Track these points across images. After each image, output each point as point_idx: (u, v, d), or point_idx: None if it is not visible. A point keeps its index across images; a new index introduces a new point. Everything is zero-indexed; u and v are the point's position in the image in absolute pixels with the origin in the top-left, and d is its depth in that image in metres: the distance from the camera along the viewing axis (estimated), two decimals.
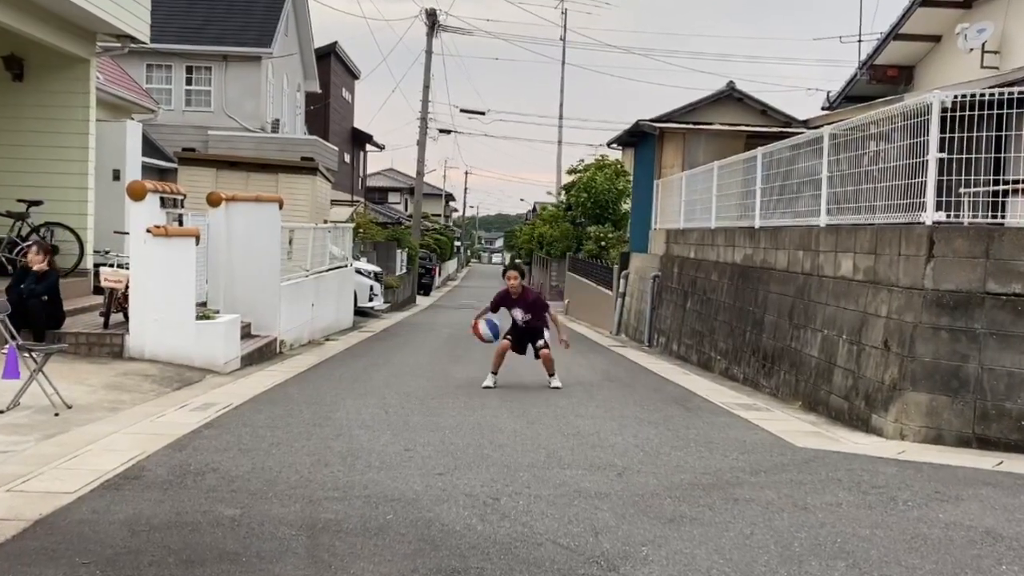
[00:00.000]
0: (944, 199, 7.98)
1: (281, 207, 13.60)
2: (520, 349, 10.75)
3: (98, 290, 11.99)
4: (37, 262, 10.00)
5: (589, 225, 33.36)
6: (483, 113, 48.45)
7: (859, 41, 19.51)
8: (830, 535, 5.02)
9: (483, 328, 10.71)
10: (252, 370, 11.13)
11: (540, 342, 10.59)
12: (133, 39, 13.79)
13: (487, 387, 10.16)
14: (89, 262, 13.44)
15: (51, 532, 4.67)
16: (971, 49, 12.97)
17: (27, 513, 4.94)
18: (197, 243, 10.78)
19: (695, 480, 6.18)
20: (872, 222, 8.97)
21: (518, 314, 10.65)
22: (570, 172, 38.13)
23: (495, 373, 10.45)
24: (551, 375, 10.56)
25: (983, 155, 8.10)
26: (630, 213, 26.54)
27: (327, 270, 17.64)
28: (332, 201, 26.20)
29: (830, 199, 10.05)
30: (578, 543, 4.75)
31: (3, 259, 12.85)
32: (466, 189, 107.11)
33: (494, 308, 10.83)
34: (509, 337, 10.68)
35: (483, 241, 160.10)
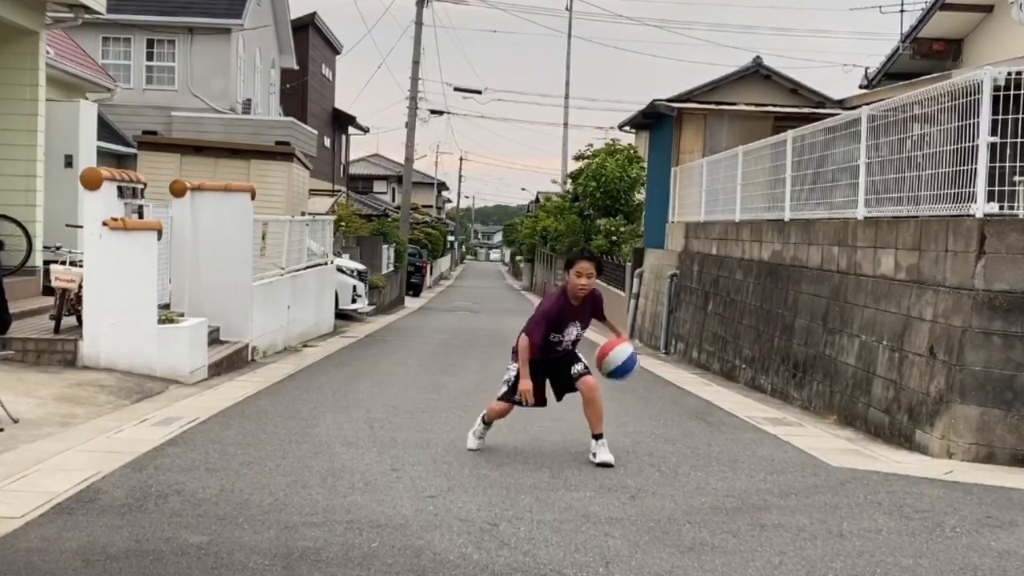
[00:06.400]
0: (997, 188, 7.98)
1: (253, 197, 13.60)
2: (543, 391, 7.48)
3: (48, 290, 12.00)
4: None
5: (598, 217, 33.39)
6: (479, 92, 48.34)
7: (901, 11, 19.49)
8: (868, 565, 5.02)
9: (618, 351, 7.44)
10: (221, 380, 11.14)
11: (578, 366, 7.37)
12: (87, 8, 13.78)
13: (474, 450, 7.47)
14: (38, 259, 13.44)
15: None
16: None
17: None
18: (159, 238, 10.78)
19: (717, 503, 6.18)
20: (916, 214, 8.97)
21: (571, 332, 7.36)
22: (577, 158, 38.18)
23: (488, 424, 7.55)
24: (597, 436, 7.27)
25: None
26: (644, 204, 26.54)
27: (305, 268, 17.66)
28: (311, 191, 26.20)
29: (869, 188, 10.06)
30: (586, 574, 4.75)
31: None
32: (461, 177, 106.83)
33: (541, 339, 7.24)
34: (517, 398, 7.35)
35: (480, 235, 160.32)
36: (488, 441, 7.85)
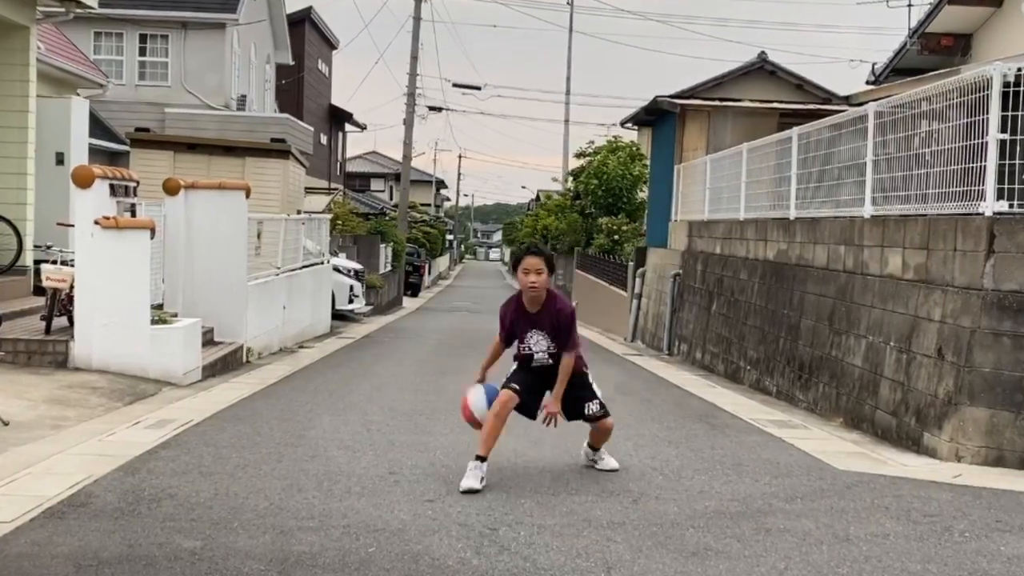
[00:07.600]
0: (1006, 186, 7.98)
1: (248, 196, 13.60)
2: (530, 409, 6.84)
3: (39, 290, 11.99)
4: None
5: (600, 216, 33.44)
6: (479, 88, 48.57)
7: (909, 6, 19.46)
8: (875, 570, 5.02)
9: (475, 399, 6.76)
10: (215, 382, 11.13)
11: (593, 406, 6.84)
12: (79, 3, 13.80)
13: (470, 491, 6.26)
14: (29, 258, 13.44)
15: None
16: None
17: None
18: (152, 236, 10.78)
19: (721, 508, 6.18)
20: (923, 213, 8.97)
21: (539, 343, 6.72)
22: (578, 155, 38.29)
23: (483, 459, 6.44)
24: (595, 447, 7.12)
25: None
26: (647, 202, 26.58)
27: (301, 268, 17.65)
28: (307, 188, 26.24)
29: (876, 186, 10.06)
30: None
31: None
32: (460, 175, 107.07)
33: (506, 341, 6.90)
34: (515, 386, 6.67)
35: (479, 234, 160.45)
36: None
